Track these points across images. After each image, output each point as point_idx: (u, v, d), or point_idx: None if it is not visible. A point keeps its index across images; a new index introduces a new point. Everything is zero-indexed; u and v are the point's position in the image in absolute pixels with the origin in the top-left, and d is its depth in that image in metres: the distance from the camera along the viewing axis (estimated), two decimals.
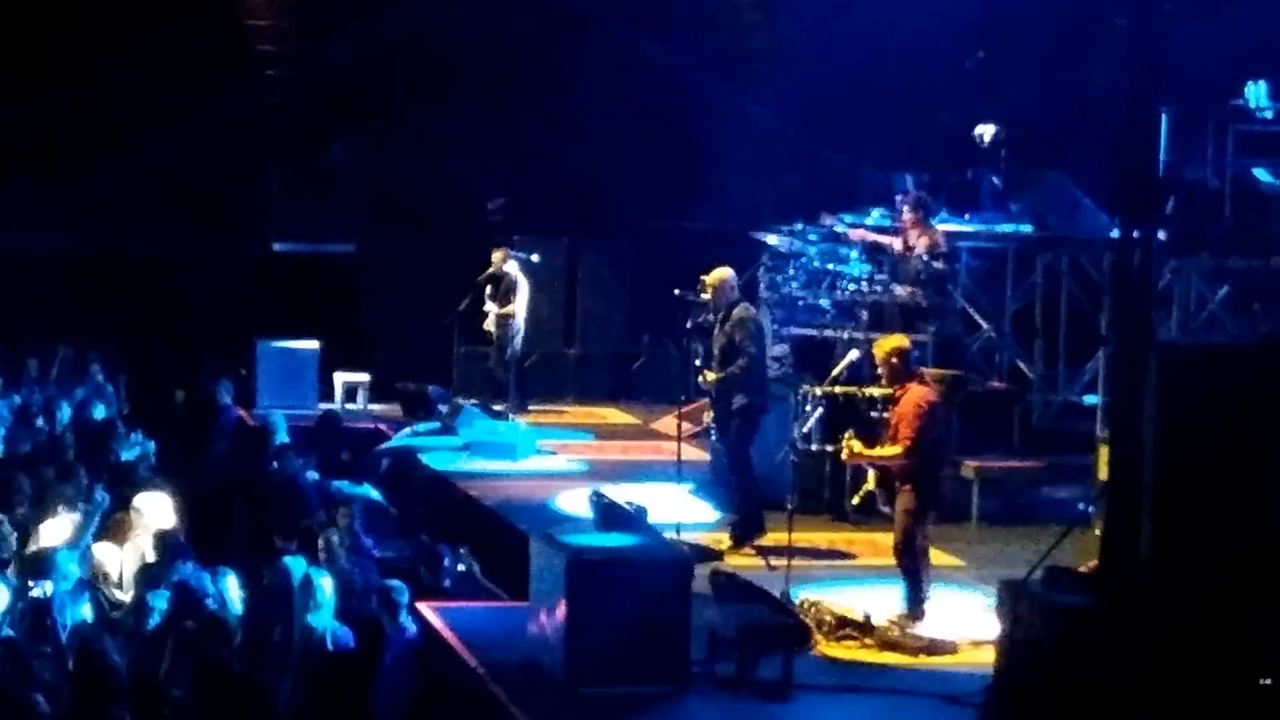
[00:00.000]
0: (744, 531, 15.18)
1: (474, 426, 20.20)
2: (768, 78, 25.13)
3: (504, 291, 22.22)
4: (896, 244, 18.35)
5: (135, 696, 11.11)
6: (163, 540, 13.52)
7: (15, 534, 13.73)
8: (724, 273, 15.59)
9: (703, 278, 15.54)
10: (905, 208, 18.63)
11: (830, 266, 18.66)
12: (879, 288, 18.12)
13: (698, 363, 15.72)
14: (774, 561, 14.17)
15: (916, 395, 13.06)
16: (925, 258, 18.04)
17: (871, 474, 13.36)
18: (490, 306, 22.26)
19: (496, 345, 22.39)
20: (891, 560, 13.33)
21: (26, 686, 10.87)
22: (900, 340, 13.61)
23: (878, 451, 13.04)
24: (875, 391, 14.75)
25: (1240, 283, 16.99)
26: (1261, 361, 10.57)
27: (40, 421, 19.06)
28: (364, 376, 23.17)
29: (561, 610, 11.08)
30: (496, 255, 22.37)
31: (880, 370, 13.38)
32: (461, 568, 14.78)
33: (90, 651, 11.11)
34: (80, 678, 10.98)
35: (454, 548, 14.98)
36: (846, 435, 13.26)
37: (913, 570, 13.06)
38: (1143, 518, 10.22)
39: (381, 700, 12.13)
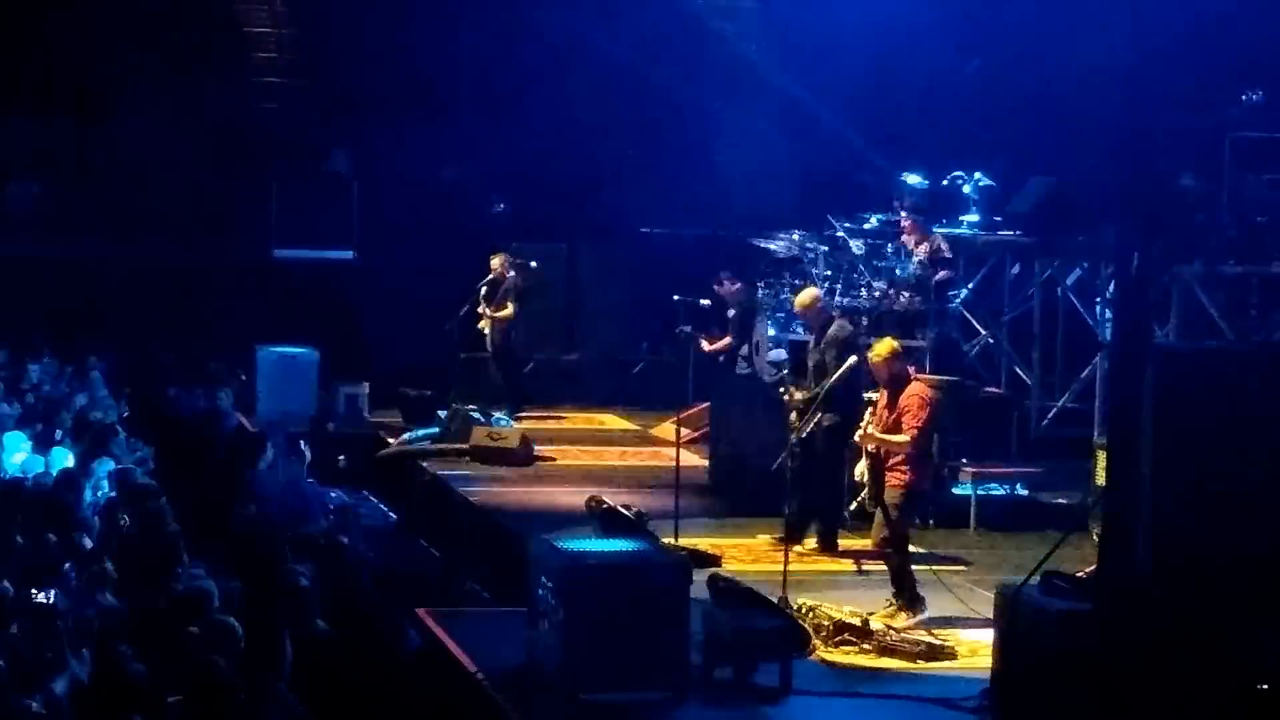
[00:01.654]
0: (827, 543, 15.33)
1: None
2: (765, 84, 25.19)
3: (500, 296, 22.27)
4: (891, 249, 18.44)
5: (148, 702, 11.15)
6: None
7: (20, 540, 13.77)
8: (812, 292, 15.87)
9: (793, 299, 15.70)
10: (905, 214, 18.68)
11: (828, 272, 18.69)
12: (877, 293, 18.16)
13: (784, 375, 15.77)
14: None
15: (918, 389, 13.46)
16: (924, 263, 18.09)
17: (862, 465, 13.50)
18: (486, 311, 22.30)
19: (494, 350, 22.44)
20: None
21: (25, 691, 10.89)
22: (893, 342, 13.96)
23: (890, 436, 13.20)
24: (873, 396, 14.83)
25: (1237, 289, 17.04)
26: (1258, 367, 10.62)
27: (40, 427, 19.09)
28: (364, 384, 23.19)
29: (560, 616, 11.11)
30: (495, 261, 22.42)
31: (880, 372, 13.54)
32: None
33: (110, 656, 11.15)
34: (99, 683, 11.01)
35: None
36: (866, 420, 13.44)
37: (904, 564, 13.23)
38: (1140, 523, 10.26)
39: (381, 703, 12.16)
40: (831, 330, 15.49)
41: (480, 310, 22.32)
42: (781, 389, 15.81)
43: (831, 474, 15.44)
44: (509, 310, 22.15)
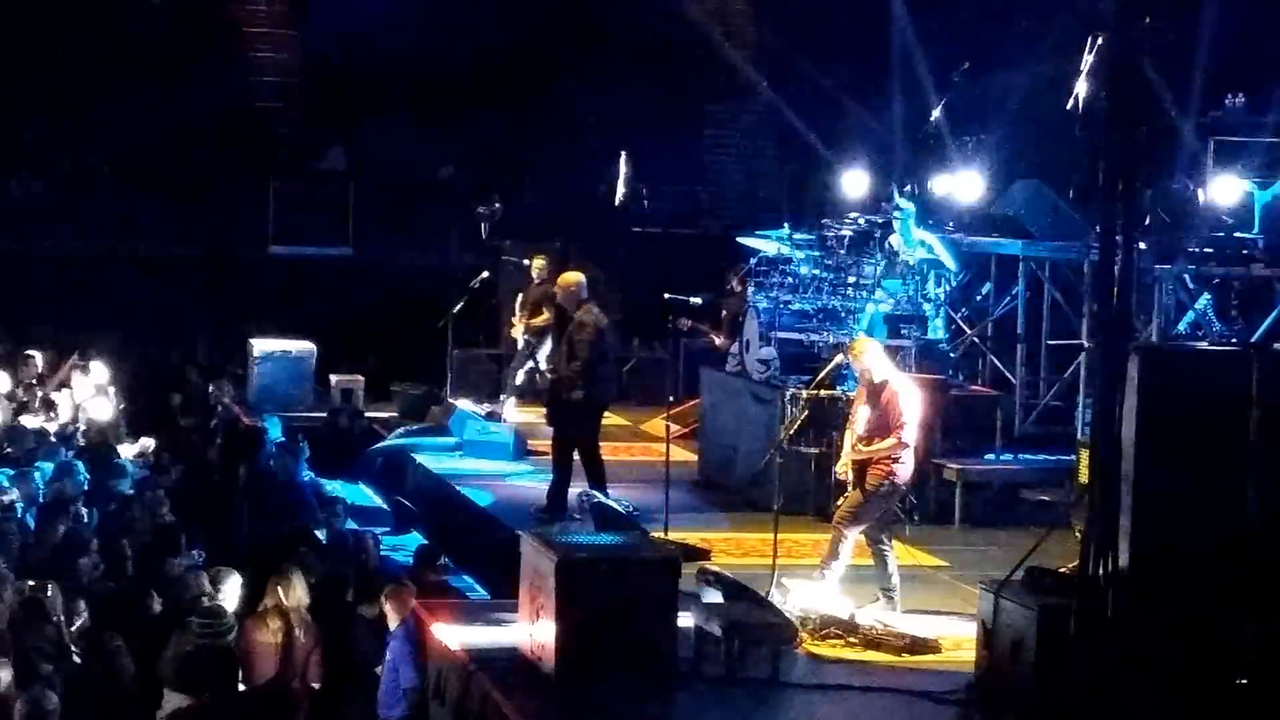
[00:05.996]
0: None
1: (466, 427, 20.38)
2: (754, 86, 25.34)
3: (535, 302, 21.60)
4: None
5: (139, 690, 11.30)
6: None
7: (19, 535, 13.91)
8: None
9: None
10: (895, 215, 18.80)
11: (815, 271, 18.83)
12: (864, 292, 18.30)
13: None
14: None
15: (899, 385, 13.47)
16: (909, 263, 18.23)
17: (844, 463, 13.59)
18: (519, 317, 21.77)
19: (527, 355, 21.69)
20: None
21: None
22: (871, 339, 14.16)
23: (876, 446, 13.31)
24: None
25: (1218, 290, 17.20)
26: (1239, 367, 10.77)
27: (40, 420, 19.24)
28: (359, 378, 23.32)
29: (552, 608, 11.25)
30: (537, 263, 21.94)
31: (864, 368, 13.61)
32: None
33: (100, 646, 11.30)
34: (88, 672, 11.16)
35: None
36: (842, 464, 13.58)
37: (882, 552, 13.44)
38: (1122, 519, 10.41)
39: (379, 694, 12.34)
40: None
41: (515, 320, 21.96)
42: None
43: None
44: (545, 316, 21.56)
